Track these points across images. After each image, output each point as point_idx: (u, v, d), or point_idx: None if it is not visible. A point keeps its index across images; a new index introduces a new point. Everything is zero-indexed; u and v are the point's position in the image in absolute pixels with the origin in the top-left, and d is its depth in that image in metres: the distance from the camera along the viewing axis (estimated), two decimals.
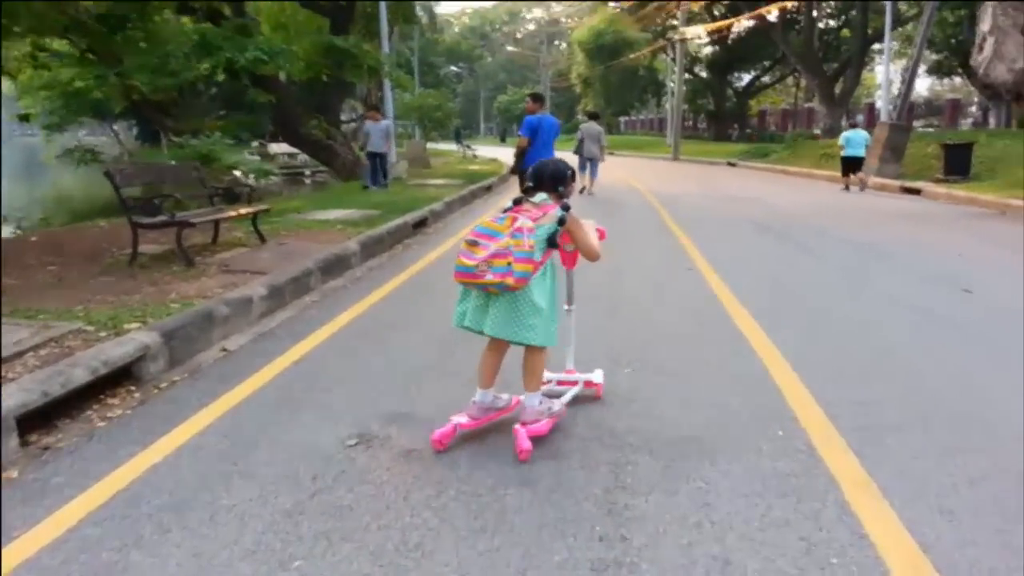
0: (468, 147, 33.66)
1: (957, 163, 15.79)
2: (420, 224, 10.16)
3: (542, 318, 3.07)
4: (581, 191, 14.47)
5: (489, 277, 2.88)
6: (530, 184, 3.23)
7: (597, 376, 3.70)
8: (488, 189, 16.64)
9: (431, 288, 6.38)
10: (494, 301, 3.04)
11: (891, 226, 10.07)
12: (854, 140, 16.24)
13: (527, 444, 3.00)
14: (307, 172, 31.20)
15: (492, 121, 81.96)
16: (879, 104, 23.10)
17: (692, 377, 4.04)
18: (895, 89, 20.81)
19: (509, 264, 2.87)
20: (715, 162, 29.00)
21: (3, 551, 2.41)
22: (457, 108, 63.65)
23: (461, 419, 3.18)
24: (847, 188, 16.25)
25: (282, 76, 20.35)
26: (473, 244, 2.95)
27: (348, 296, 6.04)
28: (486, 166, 25.02)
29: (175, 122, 19.24)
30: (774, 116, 48.34)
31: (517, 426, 3.09)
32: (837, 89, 34.40)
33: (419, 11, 56.19)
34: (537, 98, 10.01)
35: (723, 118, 49.25)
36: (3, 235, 11.04)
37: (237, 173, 11.06)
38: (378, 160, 15.38)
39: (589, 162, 15.34)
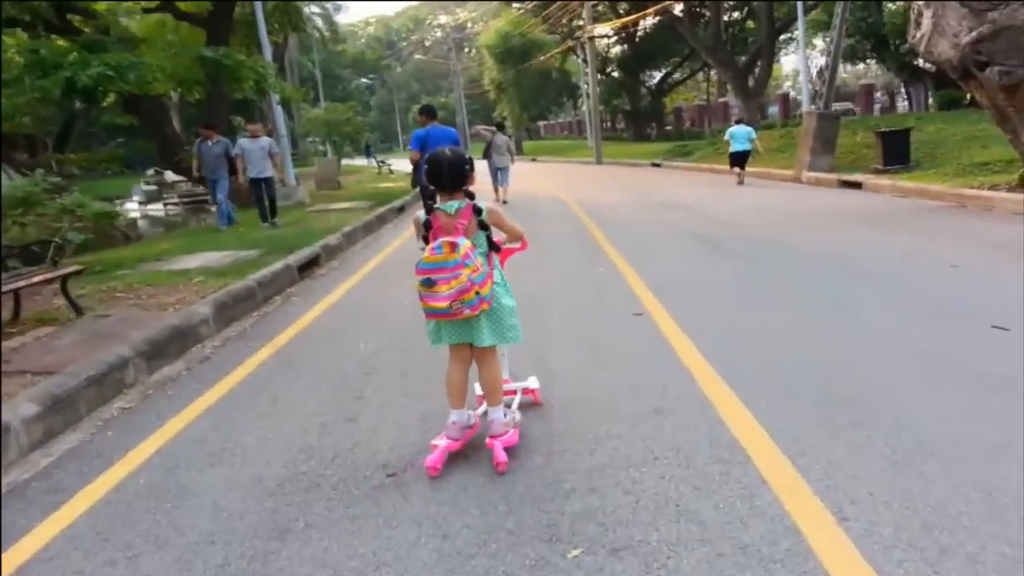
0: (382, 162, 31.78)
1: (895, 151, 14.96)
2: (310, 265, 8.45)
3: (516, 316, 3.22)
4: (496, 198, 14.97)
5: (467, 312, 2.95)
6: (431, 185, 3.07)
7: (533, 382, 3.71)
8: (400, 210, 14.97)
9: (307, 363, 4.73)
10: (475, 318, 3.05)
11: (850, 230, 8.92)
12: (738, 135, 16.72)
13: (504, 456, 3.04)
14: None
15: (408, 132, 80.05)
16: (793, 93, 22.97)
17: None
18: (801, 78, 20.31)
19: (477, 293, 2.92)
20: (639, 163, 28.02)
21: None
22: (367, 122, 61.58)
23: (442, 442, 3.13)
24: (741, 182, 16.61)
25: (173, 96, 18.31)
26: (430, 284, 2.92)
27: (181, 392, 4.34)
28: (400, 182, 23.31)
29: (39, 154, 16.87)
30: (690, 113, 48.23)
31: (489, 440, 3.13)
32: (750, 81, 34.05)
33: (318, 21, 54.03)
34: (425, 111, 10.06)
35: (640, 117, 48.79)
36: None
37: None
38: (263, 187, 11.86)
39: (499, 171, 15.63)
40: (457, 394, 3.20)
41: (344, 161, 44.33)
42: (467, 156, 3.12)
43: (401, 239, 10.85)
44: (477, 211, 3.04)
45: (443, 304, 2.90)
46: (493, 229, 3.18)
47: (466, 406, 3.25)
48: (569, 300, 5.98)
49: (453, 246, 2.89)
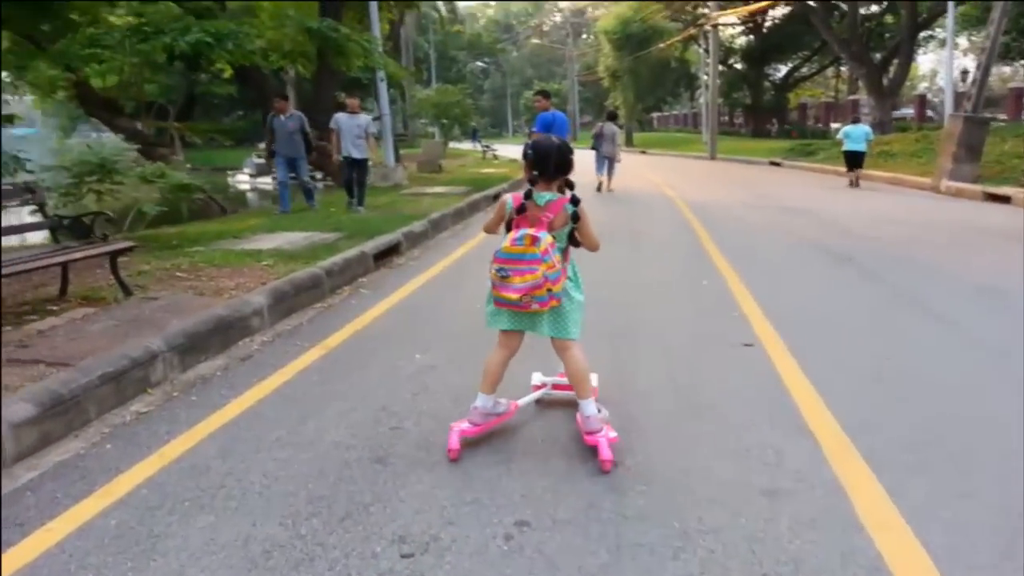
0: (487, 147, 31.32)
1: None
2: (388, 253, 7.90)
3: (582, 311, 3.13)
4: (598, 189, 15.20)
5: (535, 307, 2.91)
6: (535, 172, 2.95)
7: (592, 380, 3.29)
8: (495, 198, 14.33)
9: (351, 375, 4.10)
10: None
11: (1009, 254, 7.58)
12: (854, 135, 16.04)
13: (609, 453, 2.89)
14: (318, 177, 29.09)
15: (519, 118, 79.39)
16: (929, 96, 20.74)
17: None
18: (940, 79, 18.25)
19: (548, 291, 2.87)
20: (756, 161, 26.34)
21: None
22: (479, 106, 61.55)
23: (462, 425, 3.09)
24: (852, 184, 16.10)
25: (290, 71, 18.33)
26: (504, 275, 2.88)
27: (206, 398, 3.79)
28: (502, 168, 22.72)
29: (150, 121, 17.23)
30: (815, 110, 45.32)
31: (590, 437, 2.99)
32: (884, 80, 31.41)
33: (438, 3, 54.16)
34: (546, 95, 9.94)
35: (761, 112, 46.36)
36: None
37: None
38: (354, 171, 10.91)
39: (607, 160, 15.61)
40: (491, 379, 3.14)
41: (452, 144, 44.39)
42: (572, 148, 3.05)
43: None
44: (575, 201, 2.96)
45: (515, 296, 2.89)
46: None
47: (496, 393, 3.18)
48: (664, 319, 5.12)
49: (535, 240, 2.85)
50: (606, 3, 53.36)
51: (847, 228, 9.47)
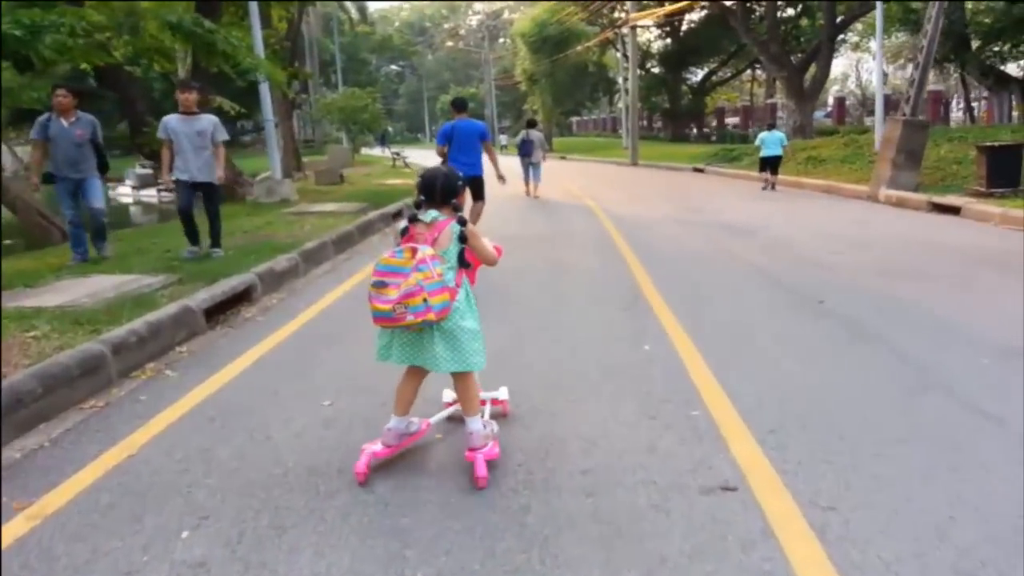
0: (397, 154, 29.35)
1: (1002, 171, 12.18)
2: (234, 302, 6.01)
3: (480, 341, 3.07)
4: (528, 194, 15.70)
5: (410, 319, 2.82)
6: (421, 196, 3.07)
7: (502, 393, 3.58)
8: (397, 216, 12.51)
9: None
10: (428, 337, 2.96)
11: (995, 282, 6.28)
12: (769, 141, 16.61)
13: (484, 471, 2.90)
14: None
15: (437, 123, 77.32)
16: (851, 100, 20.03)
17: None
18: (851, 82, 17.48)
19: (425, 300, 2.81)
20: (679, 168, 25.28)
21: None
22: (388, 110, 59.30)
23: (375, 447, 3.09)
24: (766, 187, 16.68)
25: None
26: (381, 286, 2.84)
27: None
28: (410, 179, 20.85)
29: None
30: (734, 114, 45.11)
31: (470, 453, 2.99)
32: (804, 82, 30.98)
33: (347, 2, 51.70)
34: (455, 104, 9.57)
35: (679, 117, 45.89)
36: None
37: None
38: (193, 195, 7.62)
39: (532, 167, 15.98)
40: (402, 403, 3.14)
41: (364, 150, 42.09)
42: (460, 175, 3.15)
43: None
44: (461, 222, 3.02)
45: (387, 307, 2.80)
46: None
47: (410, 414, 3.15)
48: (596, 430, 3.42)
49: (413, 251, 2.86)
50: (522, 4, 52.17)
51: (800, 254, 8.07)
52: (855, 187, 15.43)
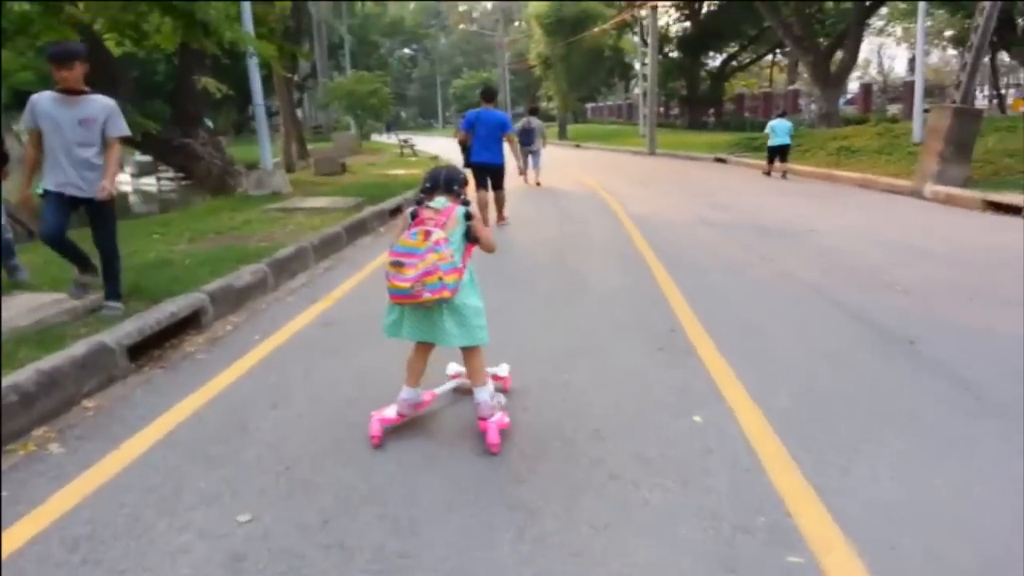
0: (405, 142, 28.13)
1: None
2: (176, 330, 4.87)
3: (483, 317, 3.28)
4: (528, 181, 15.25)
5: (427, 296, 3.01)
6: (427, 186, 3.32)
7: (503, 370, 3.79)
8: (395, 212, 11.34)
9: None
10: (437, 313, 3.16)
11: None
12: (779, 129, 16.51)
13: (496, 438, 3.14)
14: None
15: (450, 108, 75.74)
16: (876, 87, 18.51)
17: None
18: (872, 68, 16.20)
19: (440, 279, 3.00)
20: (699, 157, 23.93)
21: None
22: (400, 95, 57.99)
23: (389, 414, 3.30)
24: (768, 174, 16.89)
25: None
26: (399, 265, 3.03)
27: None
28: (417, 168, 19.66)
29: None
30: (754, 101, 43.47)
31: (483, 422, 3.22)
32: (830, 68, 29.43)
33: None
34: (483, 94, 9.70)
35: (697, 103, 44.30)
36: None
37: None
38: (70, 211, 4.86)
39: (532, 155, 15.60)
40: (413, 374, 3.35)
41: (374, 137, 40.82)
42: (463, 175, 3.43)
43: (372, 267, 7.21)
44: (465, 203, 3.29)
45: (406, 285, 3.00)
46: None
47: (421, 386, 3.37)
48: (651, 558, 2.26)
49: (427, 234, 3.04)
50: None
51: (860, 266, 6.83)
52: (894, 181, 14.12)
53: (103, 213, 4.90)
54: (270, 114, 42.64)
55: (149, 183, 24.86)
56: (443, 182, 3.27)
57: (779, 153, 16.60)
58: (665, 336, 4.80)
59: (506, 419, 3.27)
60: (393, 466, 3.04)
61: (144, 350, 4.54)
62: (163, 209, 19.62)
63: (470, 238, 3.26)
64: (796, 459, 3.00)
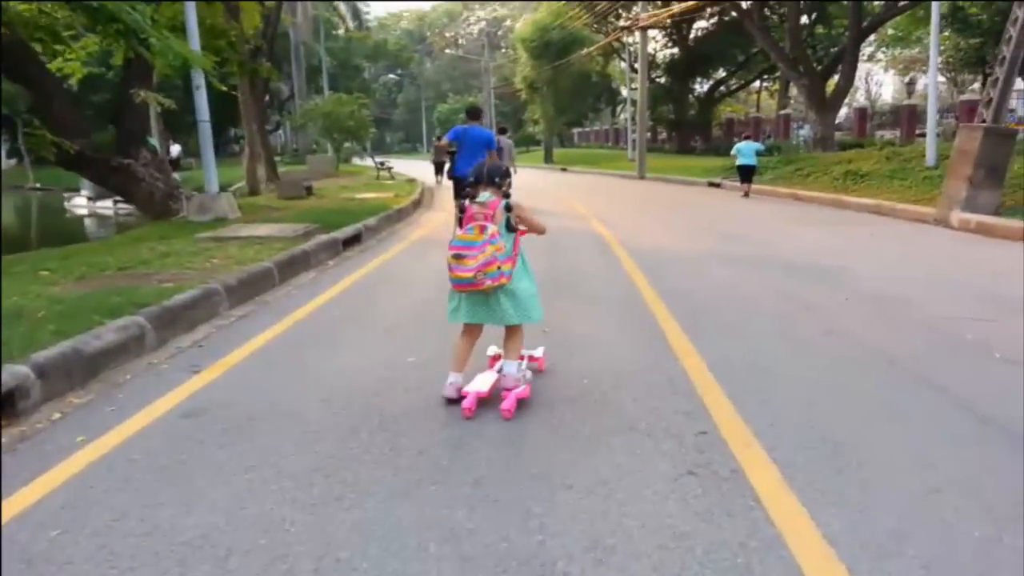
0: (381, 164, 26.62)
1: None
2: None
3: (537, 299, 3.66)
4: None
5: (488, 283, 3.39)
6: (472, 180, 3.58)
7: (539, 352, 4.09)
8: (353, 242, 9.74)
9: None
10: (494, 298, 3.50)
11: None
12: (744, 151, 17.09)
13: (512, 405, 3.42)
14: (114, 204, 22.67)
15: (435, 133, 74.42)
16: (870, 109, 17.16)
17: None
18: (860, 95, 15.13)
19: (499, 268, 3.38)
20: (692, 182, 22.56)
21: None
22: (381, 119, 56.63)
23: (451, 393, 3.58)
24: (746, 195, 17.19)
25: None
26: (460, 258, 3.37)
27: None
28: (389, 191, 18.12)
29: None
30: (743, 126, 42.36)
31: (504, 392, 3.50)
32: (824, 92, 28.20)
33: (341, 7, 49.16)
34: (469, 112, 10.10)
35: (685, 128, 43.19)
36: None
37: None
38: None
39: None
40: (459, 360, 3.65)
41: (355, 160, 39.25)
42: (504, 166, 3.80)
43: (303, 314, 5.56)
44: (507, 195, 3.60)
45: (469, 275, 3.35)
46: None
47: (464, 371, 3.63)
48: None
49: (482, 228, 3.39)
50: (528, 3, 49.67)
51: (929, 322, 5.26)
52: (913, 207, 12.77)
53: None
54: (237, 138, 40.97)
55: (106, 206, 23.12)
56: (486, 175, 3.57)
57: (744, 173, 17.26)
58: (694, 436, 3.19)
59: (527, 392, 3.57)
60: None
61: None
62: (120, 230, 17.89)
63: (510, 227, 3.51)
64: None
